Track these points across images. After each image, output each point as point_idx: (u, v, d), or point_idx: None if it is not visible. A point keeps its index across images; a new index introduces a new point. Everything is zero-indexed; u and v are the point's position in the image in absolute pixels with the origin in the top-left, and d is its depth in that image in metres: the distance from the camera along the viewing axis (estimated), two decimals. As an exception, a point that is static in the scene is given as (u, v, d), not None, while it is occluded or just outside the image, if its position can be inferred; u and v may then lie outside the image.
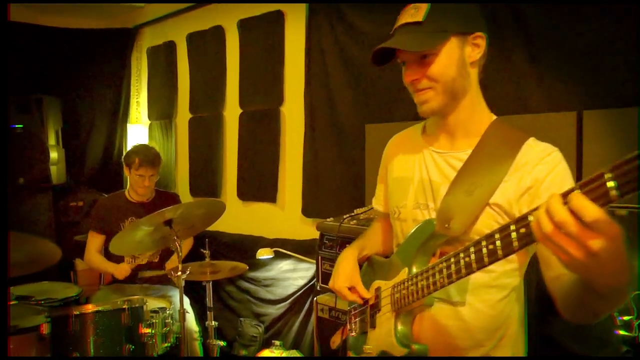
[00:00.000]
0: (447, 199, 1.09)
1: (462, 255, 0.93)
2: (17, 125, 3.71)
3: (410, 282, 1.09)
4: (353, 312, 1.34)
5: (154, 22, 4.09)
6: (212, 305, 2.45)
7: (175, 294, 2.77)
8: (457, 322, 1.10)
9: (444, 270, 0.97)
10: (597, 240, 0.65)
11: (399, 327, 1.12)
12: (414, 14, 1.05)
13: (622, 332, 1.52)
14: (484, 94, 1.15)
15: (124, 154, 2.93)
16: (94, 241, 2.85)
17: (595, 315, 0.89)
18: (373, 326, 1.22)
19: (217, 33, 3.53)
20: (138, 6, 4.05)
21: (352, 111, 2.74)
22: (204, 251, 2.42)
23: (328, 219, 2.25)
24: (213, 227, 2.50)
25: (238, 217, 3.37)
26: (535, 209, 0.73)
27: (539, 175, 1.01)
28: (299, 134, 3.03)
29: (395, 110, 2.55)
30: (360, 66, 2.69)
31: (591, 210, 0.63)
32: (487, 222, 1.05)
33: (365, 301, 1.26)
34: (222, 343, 2.43)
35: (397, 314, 1.13)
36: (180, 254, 2.10)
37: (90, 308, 1.95)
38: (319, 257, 2.25)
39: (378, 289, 1.22)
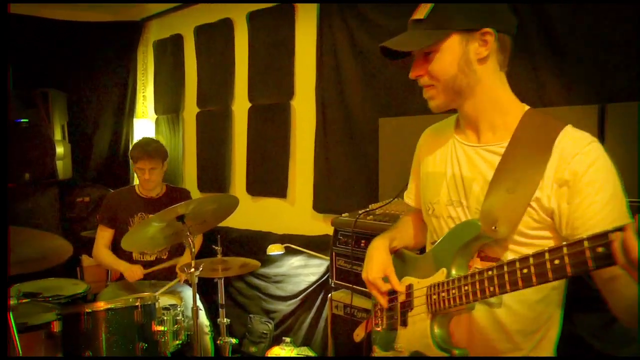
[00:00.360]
0: (490, 199, 1.03)
1: (519, 265, 0.87)
2: (22, 120, 3.66)
3: (451, 286, 1.03)
4: (379, 307, 1.29)
5: (160, 15, 4.03)
6: (223, 302, 2.41)
7: (185, 290, 2.74)
8: (494, 324, 1.06)
9: (496, 279, 0.92)
10: None
11: (436, 329, 1.08)
12: (420, 11, 1.05)
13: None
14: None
15: (131, 148, 2.89)
16: (103, 236, 2.82)
17: None
18: (404, 324, 1.18)
19: (226, 26, 3.48)
20: (144, -2, 4.01)
21: (365, 104, 2.69)
22: (216, 247, 2.38)
23: (343, 215, 2.21)
24: (222, 223, 2.46)
25: (247, 212, 3.32)
26: (619, 229, 0.68)
27: (578, 167, 0.95)
28: (310, 128, 2.98)
29: (409, 104, 2.50)
30: (373, 59, 2.64)
31: None
32: (526, 221, 1.00)
33: (395, 297, 1.22)
34: (234, 341, 2.40)
35: (434, 315, 1.09)
36: (193, 250, 2.06)
37: (102, 306, 1.92)
38: (333, 254, 2.21)
39: (410, 286, 1.18)
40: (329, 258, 2.71)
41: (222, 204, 2.24)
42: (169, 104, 4.00)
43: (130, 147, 4.05)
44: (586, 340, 1.73)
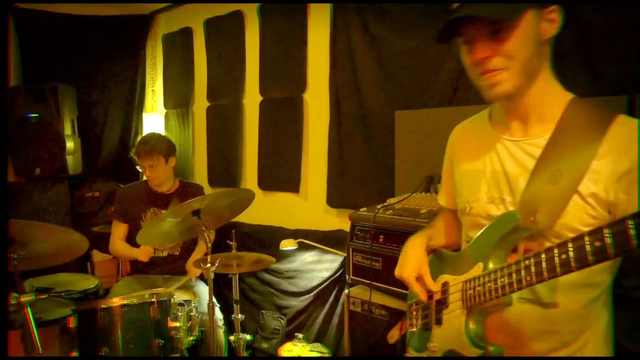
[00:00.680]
0: (530, 189, 0.99)
1: (557, 251, 0.83)
2: (32, 115, 3.64)
3: (486, 279, 0.99)
4: (414, 307, 1.26)
5: (169, 8, 3.99)
6: (238, 298, 2.38)
7: (198, 285, 2.72)
8: (548, 324, 1.02)
9: (533, 268, 0.87)
10: None
11: (471, 326, 1.04)
12: None
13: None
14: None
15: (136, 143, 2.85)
16: (118, 230, 2.81)
17: None
18: (439, 323, 1.14)
19: (236, 18, 3.43)
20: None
21: (381, 97, 2.64)
22: (231, 243, 2.34)
23: (361, 209, 2.17)
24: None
25: (259, 207, 3.25)
26: None
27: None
28: (323, 122, 2.94)
29: (427, 96, 2.45)
30: (389, 50, 2.59)
31: None
32: (576, 215, 0.95)
33: (430, 295, 1.18)
34: (248, 337, 2.37)
35: (469, 312, 1.04)
36: (209, 245, 2.03)
37: (118, 301, 1.89)
38: (350, 249, 2.17)
39: (445, 284, 1.14)
40: (343, 253, 2.69)
41: (237, 198, 2.21)
42: (178, 98, 3.96)
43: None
44: (617, 340, 1.70)
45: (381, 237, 2.03)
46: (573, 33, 1.96)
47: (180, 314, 2.07)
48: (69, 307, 2.02)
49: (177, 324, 2.01)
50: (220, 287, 3.10)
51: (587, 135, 0.96)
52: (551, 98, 1.03)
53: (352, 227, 2.16)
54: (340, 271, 2.76)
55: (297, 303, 2.97)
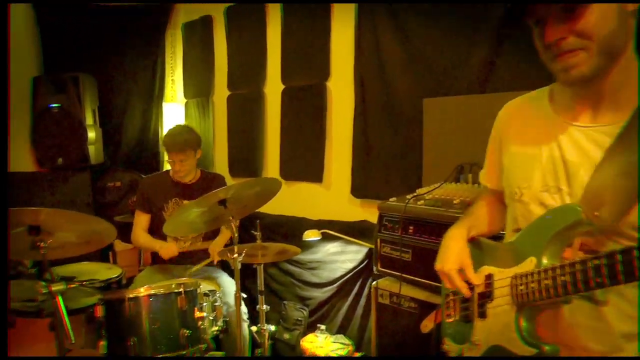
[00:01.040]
0: (596, 181, 0.91)
1: (637, 254, 0.75)
2: (54, 105, 3.65)
3: (542, 276, 0.93)
4: (452, 297, 1.20)
5: (189, -3, 3.95)
6: (263, 289, 2.35)
7: (222, 276, 2.70)
8: (598, 323, 0.95)
9: (605, 269, 0.80)
10: None
11: (523, 323, 0.98)
12: None
13: None
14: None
15: (162, 134, 2.82)
16: (140, 220, 2.80)
17: None
18: (482, 316, 1.08)
19: (257, 5, 3.37)
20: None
21: (408, 84, 2.56)
22: (255, 233, 2.31)
23: (390, 199, 2.11)
24: (255, 208, 2.39)
25: (281, 197, 3.21)
26: None
27: None
28: (346, 110, 2.88)
29: (457, 83, 2.38)
30: (416, 35, 2.51)
31: None
32: None
33: (471, 288, 1.12)
34: (272, 328, 2.34)
35: (520, 308, 0.99)
36: (235, 235, 1.99)
37: (144, 291, 1.87)
38: (378, 240, 2.12)
39: (490, 276, 1.08)
40: (368, 244, 2.64)
41: (264, 187, 2.17)
42: (198, 88, 3.93)
43: (160, 132, 4.04)
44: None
45: (411, 228, 1.98)
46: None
47: (205, 304, 2.05)
48: (95, 296, 2.01)
49: (203, 314, 1.98)
50: (242, 277, 3.08)
51: None
52: (631, 80, 0.93)
53: (380, 217, 2.11)
54: (365, 262, 2.71)
55: (320, 294, 2.94)
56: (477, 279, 1.10)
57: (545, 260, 0.96)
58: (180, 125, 2.95)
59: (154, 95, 4.19)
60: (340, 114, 2.97)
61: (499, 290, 1.05)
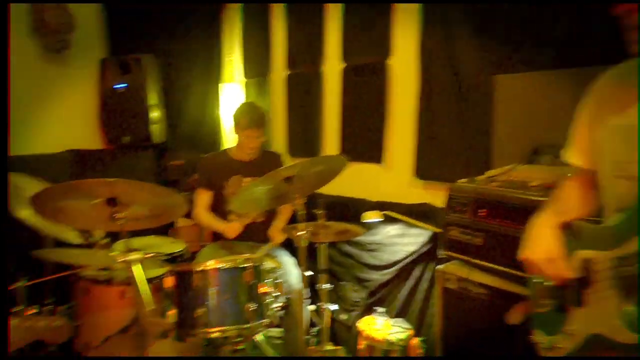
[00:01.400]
0: None
1: None
2: (119, 85, 3.77)
3: None
4: (543, 286, 1.12)
5: (248, -25, 3.94)
6: (324, 268, 2.33)
7: (282, 255, 2.71)
8: None
9: None
10: None
11: (628, 308, 0.90)
12: None
13: None
14: None
15: (234, 113, 2.84)
16: (202, 198, 2.84)
17: None
18: (580, 304, 1.00)
19: (317, -18, 3.31)
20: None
21: (477, 60, 2.43)
22: (318, 212, 2.29)
23: (460, 181, 2.02)
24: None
25: (340, 177, 3.22)
26: None
27: None
28: (409, 88, 2.78)
29: (532, 57, 2.22)
30: (487, 7, 2.36)
31: None
32: None
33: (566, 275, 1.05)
34: (334, 307, 2.33)
35: (627, 293, 0.90)
36: (301, 212, 1.98)
37: (212, 264, 1.90)
38: (447, 223, 2.04)
39: (587, 261, 1.00)
40: (432, 228, 2.56)
41: (329, 165, 2.14)
42: (256, 67, 3.93)
43: (219, 113, 4.10)
44: None
45: (483, 210, 1.89)
46: None
47: (268, 280, 2.06)
48: (164, 267, 2.07)
49: (268, 290, 2.00)
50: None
51: None
52: None
53: (450, 199, 2.03)
54: (427, 246, 2.64)
55: (379, 277, 2.89)
56: (571, 266, 1.02)
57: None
58: (250, 103, 2.98)
59: (213, 75, 4.24)
60: (402, 93, 2.88)
61: (599, 274, 0.97)
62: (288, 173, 1.98)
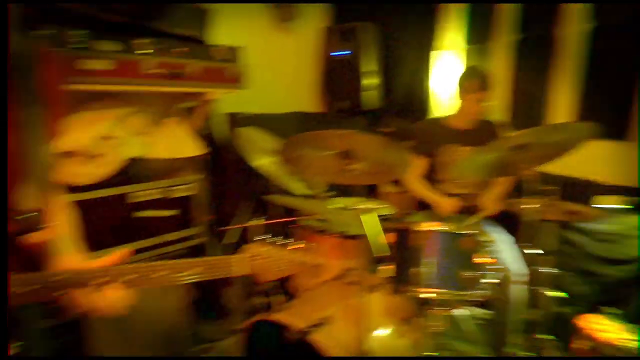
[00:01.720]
0: None
1: None
2: (341, 52, 3.98)
3: None
4: None
5: None
6: (552, 249, 2.10)
7: (495, 230, 2.54)
8: None
9: None
10: None
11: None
12: None
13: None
14: None
15: (459, 77, 2.72)
16: (415, 165, 2.82)
17: None
18: None
19: None
20: None
21: None
22: (550, 188, 2.06)
23: None
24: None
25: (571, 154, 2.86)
26: None
27: None
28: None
29: None
30: None
31: None
32: None
33: None
34: (561, 295, 2.09)
35: None
36: (530, 185, 1.80)
37: (430, 226, 1.88)
38: None
39: None
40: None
41: (570, 134, 1.88)
42: (477, 34, 3.70)
43: (434, 81, 4.01)
44: None
45: None
46: None
47: (485, 252, 1.95)
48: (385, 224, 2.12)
49: (484, 261, 1.89)
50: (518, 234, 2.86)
51: None
52: None
53: None
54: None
55: (613, 272, 2.49)
56: None
57: None
58: (476, 66, 2.86)
59: (428, 43, 4.15)
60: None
61: None
62: (519, 141, 1.81)
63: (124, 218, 2.36)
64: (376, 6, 4.15)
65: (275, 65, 3.90)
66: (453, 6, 3.98)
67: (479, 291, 1.91)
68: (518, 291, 2.23)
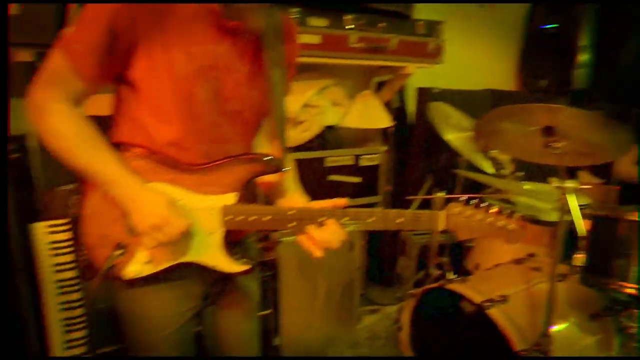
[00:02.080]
0: None
1: None
2: (549, 26, 3.65)
3: None
4: None
5: None
6: None
7: None
8: None
9: None
10: None
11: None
12: None
13: None
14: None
15: None
16: (634, 154, 2.53)
17: None
18: None
19: None
20: None
21: None
22: None
23: None
24: None
25: None
26: None
27: None
28: None
29: None
30: None
31: None
32: None
33: None
34: None
35: None
36: None
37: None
38: None
39: None
40: None
41: None
42: None
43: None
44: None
45: None
46: None
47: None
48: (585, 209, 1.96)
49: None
50: None
51: None
52: None
53: None
54: None
55: None
56: None
57: None
58: None
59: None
60: None
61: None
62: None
63: (319, 180, 2.63)
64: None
65: (473, 40, 3.77)
66: None
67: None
68: None
